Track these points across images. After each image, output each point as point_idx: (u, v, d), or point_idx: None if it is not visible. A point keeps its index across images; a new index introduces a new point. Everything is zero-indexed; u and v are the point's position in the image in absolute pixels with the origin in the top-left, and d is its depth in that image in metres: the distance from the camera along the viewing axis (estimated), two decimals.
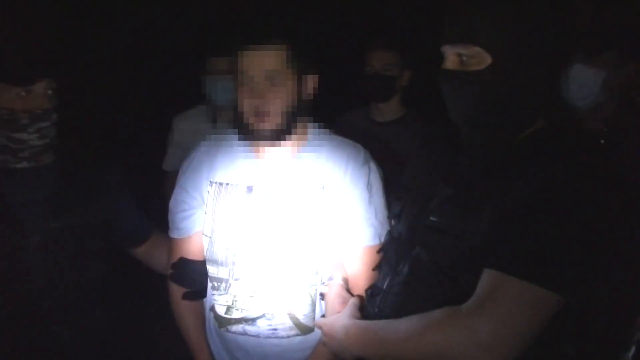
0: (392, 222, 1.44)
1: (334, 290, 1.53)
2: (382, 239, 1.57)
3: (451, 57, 1.18)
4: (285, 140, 1.57)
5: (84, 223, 1.62)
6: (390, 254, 1.35)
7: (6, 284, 1.53)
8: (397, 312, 1.23)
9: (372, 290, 1.37)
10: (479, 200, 1.16)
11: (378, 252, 1.48)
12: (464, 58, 1.16)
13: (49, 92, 1.52)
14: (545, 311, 1.07)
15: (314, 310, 1.61)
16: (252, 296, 1.60)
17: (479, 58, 1.15)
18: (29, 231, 1.55)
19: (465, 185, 1.21)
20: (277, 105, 1.52)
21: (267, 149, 1.59)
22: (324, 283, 1.60)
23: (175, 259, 1.70)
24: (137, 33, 3.30)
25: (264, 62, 1.50)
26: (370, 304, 1.36)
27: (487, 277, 1.09)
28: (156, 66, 3.34)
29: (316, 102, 1.63)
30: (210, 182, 1.65)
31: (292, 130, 1.57)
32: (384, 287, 1.31)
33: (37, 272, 1.55)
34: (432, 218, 1.23)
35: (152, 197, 1.71)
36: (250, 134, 1.55)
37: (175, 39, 3.28)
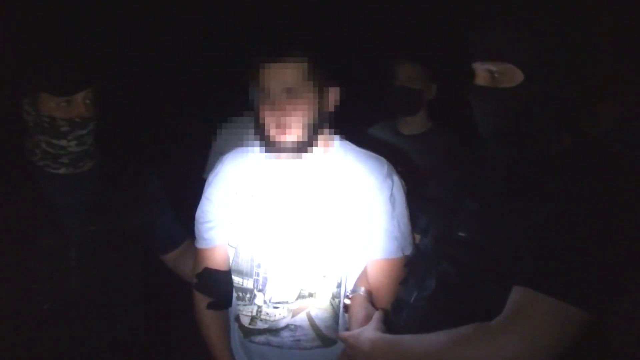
0: (419, 236, 1.44)
1: (358, 303, 1.54)
2: (405, 252, 1.58)
3: (482, 73, 1.19)
4: (307, 152, 1.58)
5: (121, 228, 1.69)
6: (416, 268, 1.36)
7: (46, 284, 1.59)
8: (424, 326, 1.23)
9: (398, 303, 1.38)
10: (507, 215, 1.16)
11: (404, 266, 1.48)
12: (496, 74, 1.17)
13: (87, 102, 1.60)
14: (574, 329, 1.07)
15: (337, 322, 1.62)
16: (276, 307, 1.61)
17: (511, 75, 1.15)
18: (68, 234, 1.61)
19: (493, 200, 1.22)
20: (297, 119, 1.53)
21: (290, 161, 1.61)
22: (347, 295, 1.61)
23: (200, 269, 1.72)
24: (180, 42, 3.34)
25: (284, 77, 1.52)
26: (396, 317, 1.37)
27: (517, 294, 1.10)
28: (200, 74, 3.37)
29: (342, 113, 1.64)
30: (236, 193, 1.66)
31: (315, 142, 1.59)
32: (411, 301, 1.32)
33: (75, 273, 1.62)
34: (460, 233, 1.23)
35: (193, 204, 1.74)
36: (272, 147, 1.57)
37: (220, 47, 3.30)
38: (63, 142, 1.60)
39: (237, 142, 1.73)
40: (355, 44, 3.19)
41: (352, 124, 1.75)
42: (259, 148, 1.63)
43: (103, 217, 1.67)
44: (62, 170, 1.64)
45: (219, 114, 2.65)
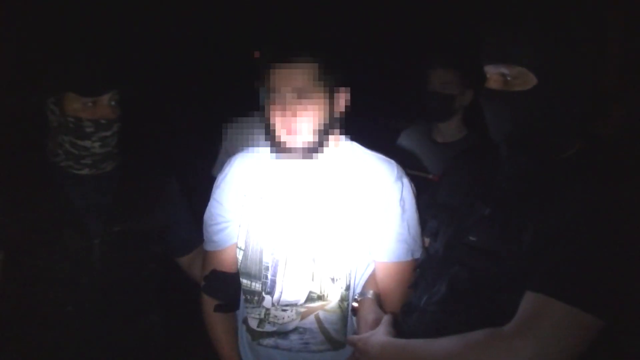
0: (428, 240, 1.43)
1: (366, 306, 1.53)
2: (415, 255, 1.58)
3: (494, 76, 1.18)
4: (316, 154, 1.58)
5: (142, 229, 1.70)
6: (426, 272, 1.35)
7: (68, 283, 1.61)
8: (435, 331, 1.22)
9: (408, 307, 1.37)
10: (519, 220, 1.15)
11: (414, 269, 1.48)
12: (508, 78, 1.16)
13: (113, 103, 1.61)
14: (587, 335, 1.06)
15: (345, 325, 1.61)
16: (284, 310, 1.61)
17: (524, 78, 1.14)
18: (91, 234, 1.63)
19: (504, 204, 1.21)
20: (307, 121, 1.52)
21: (300, 163, 1.60)
22: (355, 298, 1.60)
23: (208, 271, 1.71)
24: (198, 45, 3.34)
25: (294, 79, 1.51)
26: (406, 321, 1.36)
27: (530, 300, 1.09)
28: (218, 76, 3.38)
29: (356, 115, 1.63)
30: (245, 195, 1.66)
31: (325, 145, 1.58)
32: (421, 305, 1.31)
33: (97, 273, 1.63)
34: (470, 237, 1.23)
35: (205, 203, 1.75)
36: (281, 149, 1.56)
37: (232, 48, 3.30)
38: (87, 143, 1.60)
39: (247, 141, 1.74)
40: (367, 44, 3.18)
41: (367, 126, 1.74)
42: (267, 149, 1.62)
43: (124, 219, 1.68)
44: (84, 171, 1.65)
45: (233, 114, 2.65)
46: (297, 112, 1.51)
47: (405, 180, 1.61)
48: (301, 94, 1.51)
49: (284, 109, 1.51)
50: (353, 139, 1.69)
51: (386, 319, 1.41)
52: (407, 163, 2.35)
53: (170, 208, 1.79)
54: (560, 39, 1.13)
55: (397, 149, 2.37)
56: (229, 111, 2.66)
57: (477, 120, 2.47)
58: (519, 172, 1.23)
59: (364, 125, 1.78)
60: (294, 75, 1.51)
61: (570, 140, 1.21)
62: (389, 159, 1.65)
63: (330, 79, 1.54)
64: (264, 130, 1.58)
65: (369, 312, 1.50)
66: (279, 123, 1.53)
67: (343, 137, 1.67)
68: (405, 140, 2.71)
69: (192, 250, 1.88)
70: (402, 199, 1.59)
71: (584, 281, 1.05)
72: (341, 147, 1.65)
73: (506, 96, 1.16)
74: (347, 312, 1.61)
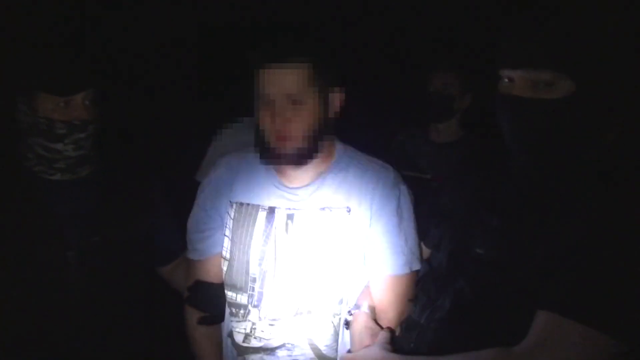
0: (429, 250, 1.35)
1: (361, 321, 1.44)
2: (413, 268, 1.49)
3: (521, 82, 1.07)
4: (309, 161, 1.49)
5: (122, 238, 1.60)
6: (428, 286, 1.27)
7: (43, 298, 1.50)
8: (437, 349, 1.15)
9: (408, 323, 1.28)
10: (530, 233, 1.07)
11: (414, 283, 1.39)
12: (540, 85, 1.05)
13: (87, 103, 1.51)
14: (604, 358, 0.98)
15: (336, 341, 1.52)
16: (271, 324, 1.52)
17: (559, 85, 1.04)
18: (66, 245, 1.53)
19: (514, 215, 1.12)
20: (299, 127, 1.44)
21: (290, 169, 1.51)
22: (349, 311, 1.51)
23: (192, 282, 1.62)
24: (181, 45, 3.24)
25: (285, 82, 1.42)
26: (406, 338, 1.27)
27: (543, 319, 1.01)
28: (205, 77, 3.27)
29: (349, 118, 1.55)
30: (231, 202, 1.57)
31: (317, 150, 1.49)
32: (422, 321, 1.23)
33: (74, 287, 1.53)
34: (477, 250, 1.14)
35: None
36: (272, 156, 1.47)
37: (222, 50, 3.21)
38: (59, 146, 1.50)
39: (235, 147, 1.65)
40: (360, 45, 3.11)
41: (362, 128, 1.66)
42: (254, 153, 1.53)
43: (103, 227, 1.58)
44: (57, 176, 1.55)
45: (221, 118, 2.56)
46: (288, 117, 1.43)
47: (403, 187, 1.53)
48: (292, 98, 1.42)
49: (275, 114, 1.43)
50: (347, 142, 1.60)
51: (382, 335, 1.33)
52: (404, 164, 2.34)
53: (151, 215, 1.70)
54: (599, 40, 1.04)
55: (393, 150, 2.32)
56: (216, 112, 2.56)
57: (474, 122, 2.45)
58: (532, 181, 1.14)
59: (358, 127, 1.69)
60: (286, 78, 1.42)
61: (590, 149, 1.12)
62: (385, 164, 1.57)
63: (324, 80, 1.46)
64: (255, 136, 1.49)
65: (363, 327, 1.41)
66: (270, 128, 1.44)
67: (336, 140, 1.58)
68: (401, 141, 2.72)
69: (174, 260, 1.78)
70: (399, 207, 1.51)
71: (602, 301, 0.98)
72: (334, 152, 1.57)
73: (536, 105, 1.06)
74: (340, 327, 1.52)
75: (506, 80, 1.10)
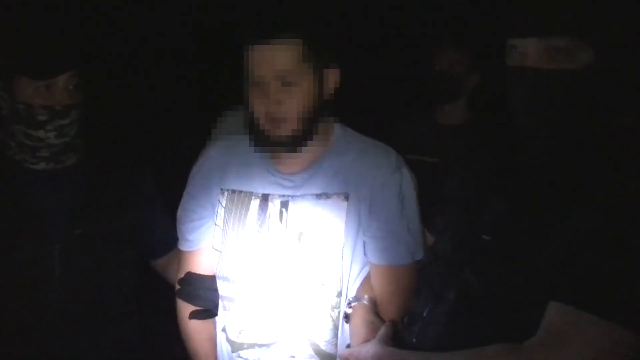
0: (433, 238, 1.27)
1: (361, 314, 1.37)
2: (415, 257, 1.42)
3: (535, 51, 0.97)
4: (304, 146, 1.40)
5: (110, 231, 1.53)
6: (432, 277, 1.18)
7: (27, 295, 1.44)
8: (441, 344, 1.07)
9: (410, 317, 1.20)
10: (543, 217, 0.98)
11: (417, 273, 1.31)
12: (558, 54, 0.96)
13: (71, 87, 1.43)
14: (624, 354, 0.90)
15: (336, 336, 1.44)
16: (266, 319, 1.44)
17: (578, 53, 0.95)
18: (51, 238, 1.45)
19: (525, 199, 1.03)
20: (293, 109, 1.35)
21: (285, 154, 1.43)
22: (349, 304, 1.43)
23: (183, 274, 1.55)
24: (172, 24, 3.12)
25: (276, 60, 1.32)
26: (408, 333, 1.20)
27: (556, 312, 0.92)
28: (196, 59, 3.16)
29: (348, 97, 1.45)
30: (222, 189, 1.49)
31: (313, 133, 1.41)
32: (425, 314, 1.14)
33: (58, 282, 1.46)
34: (484, 237, 1.05)
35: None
36: (265, 141, 1.39)
37: (209, 29, 3.10)
38: (41, 133, 1.42)
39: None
40: (358, 17, 2.98)
41: (361, 108, 1.57)
42: (248, 139, 1.44)
43: (89, 219, 1.51)
44: (41, 166, 1.47)
45: (217, 103, 2.47)
46: (281, 98, 1.33)
47: (405, 171, 1.44)
48: (284, 78, 1.33)
49: (267, 96, 1.33)
50: (345, 123, 1.51)
51: (383, 329, 1.26)
52: (409, 146, 2.27)
53: (143, 206, 1.63)
54: (622, 2, 0.95)
55: (396, 132, 2.23)
56: (209, 95, 2.47)
57: (483, 102, 2.36)
58: (550, 164, 1.04)
59: (358, 108, 1.60)
60: (277, 56, 1.32)
61: (610, 129, 1.03)
62: (386, 147, 1.48)
63: (318, 58, 1.36)
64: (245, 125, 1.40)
65: (364, 321, 1.34)
66: (261, 112, 1.35)
67: (333, 122, 1.49)
68: (406, 122, 2.64)
69: (168, 252, 1.71)
70: (400, 193, 1.42)
71: (621, 292, 0.89)
72: (331, 134, 1.48)
73: (553, 76, 0.96)
74: (339, 321, 1.44)
75: (518, 50, 1.00)
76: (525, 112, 1.02)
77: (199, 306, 1.54)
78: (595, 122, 1.00)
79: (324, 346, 1.43)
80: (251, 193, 1.46)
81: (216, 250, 1.49)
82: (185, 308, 1.55)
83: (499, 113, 1.15)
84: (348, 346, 1.36)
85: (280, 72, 1.32)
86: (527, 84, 1.00)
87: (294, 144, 1.38)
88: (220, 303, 1.51)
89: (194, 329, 1.56)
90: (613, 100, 0.98)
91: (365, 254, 1.44)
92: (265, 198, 1.44)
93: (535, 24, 0.97)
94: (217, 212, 1.49)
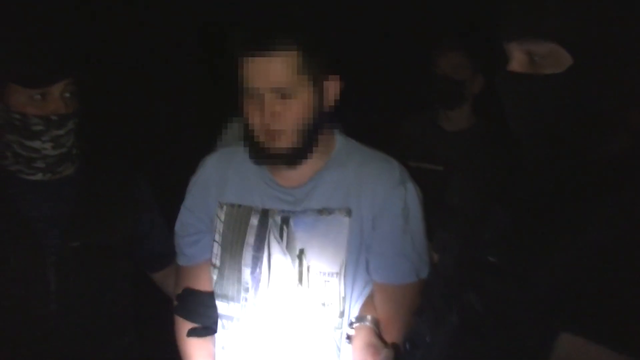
0: (437, 255, 1.20)
1: (363, 336, 1.31)
2: (421, 275, 1.36)
3: (519, 56, 0.94)
4: (304, 159, 1.35)
5: (107, 243, 1.50)
6: (435, 297, 1.11)
7: (22, 308, 1.41)
8: None
9: (412, 340, 1.13)
10: (549, 235, 0.91)
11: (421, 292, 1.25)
12: (536, 58, 0.92)
13: (67, 95, 1.39)
14: None
15: (339, 357, 1.38)
16: (267, 339, 1.38)
17: (556, 58, 0.91)
18: (47, 250, 1.42)
19: (530, 214, 0.97)
20: (290, 121, 1.29)
21: (284, 168, 1.38)
22: (351, 324, 1.37)
23: (181, 289, 1.50)
24: (168, 31, 3.09)
25: (270, 72, 1.26)
26: (410, 357, 1.12)
27: (566, 342, 0.85)
28: (194, 67, 3.12)
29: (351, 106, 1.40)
30: (220, 203, 1.44)
31: (313, 146, 1.36)
32: (426, 338, 1.08)
33: (54, 296, 1.43)
34: (489, 257, 0.99)
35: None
36: (262, 154, 1.33)
37: (206, 38, 3.06)
38: (37, 144, 1.39)
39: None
40: (358, 24, 2.92)
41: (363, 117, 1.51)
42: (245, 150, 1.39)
43: (86, 231, 1.47)
44: (38, 177, 1.44)
45: (217, 113, 2.42)
46: (279, 111, 1.28)
47: (410, 186, 1.38)
48: (282, 90, 1.27)
49: (263, 109, 1.28)
50: (347, 131, 1.46)
51: (385, 353, 1.19)
52: (413, 154, 2.19)
53: (140, 218, 1.59)
54: (600, 8, 0.90)
55: (399, 139, 2.15)
56: (208, 104, 2.43)
57: (488, 109, 2.28)
58: (547, 172, 0.99)
59: (360, 115, 1.54)
60: (272, 68, 1.26)
61: (610, 135, 0.97)
62: (389, 159, 1.41)
63: (316, 69, 1.30)
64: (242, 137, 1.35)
65: (366, 345, 1.28)
66: (258, 125, 1.30)
67: (334, 134, 1.44)
68: (409, 129, 2.56)
69: (166, 266, 1.67)
70: (405, 208, 1.36)
71: (636, 322, 0.81)
72: (332, 146, 1.42)
73: (533, 80, 0.93)
74: (341, 342, 1.38)
75: (509, 54, 0.96)
76: (512, 118, 0.98)
77: (197, 323, 1.49)
78: (593, 129, 0.94)
79: None
80: (250, 208, 1.40)
81: (214, 266, 1.44)
82: (184, 325, 1.49)
83: (504, 119, 1.10)
84: None
85: (275, 84, 1.27)
86: (511, 89, 0.97)
87: (294, 157, 1.33)
88: (220, 321, 1.46)
89: (193, 346, 1.50)
90: (594, 105, 0.92)
91: (368, 272, 1.37)
92: (265, 214, 1.39)
93: (516, 27, 0.94)
94: (216, 227, 1.44)
